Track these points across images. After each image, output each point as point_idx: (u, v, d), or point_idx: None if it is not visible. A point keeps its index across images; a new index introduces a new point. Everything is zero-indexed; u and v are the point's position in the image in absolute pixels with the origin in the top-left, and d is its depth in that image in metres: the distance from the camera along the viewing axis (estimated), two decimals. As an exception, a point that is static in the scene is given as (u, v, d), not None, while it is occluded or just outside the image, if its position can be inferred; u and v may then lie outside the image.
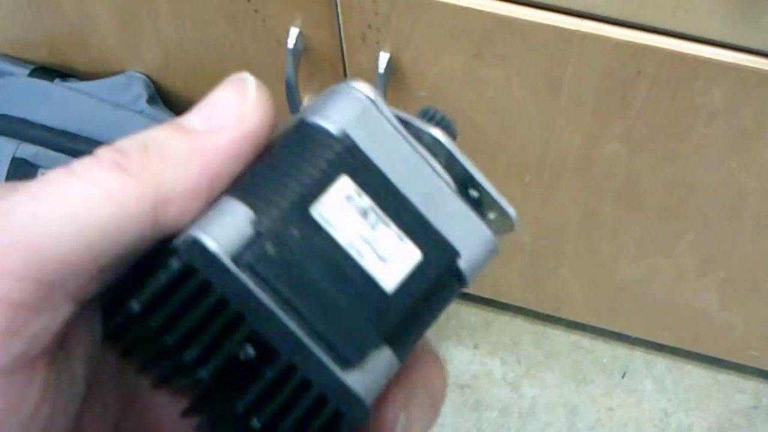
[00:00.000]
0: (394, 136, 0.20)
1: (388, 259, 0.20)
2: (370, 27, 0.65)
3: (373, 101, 0.20)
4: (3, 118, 0.84)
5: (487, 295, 1.03)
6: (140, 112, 0.83)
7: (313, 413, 0.18)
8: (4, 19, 0.86)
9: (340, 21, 0.66)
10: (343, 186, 0.19)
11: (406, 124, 0.21)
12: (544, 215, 0.81)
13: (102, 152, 0.19)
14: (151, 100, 0.84)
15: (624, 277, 0.88)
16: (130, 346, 0.21)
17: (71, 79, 0.88)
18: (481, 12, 0.60)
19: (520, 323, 1.09)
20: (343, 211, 0.19)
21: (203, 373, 0.18)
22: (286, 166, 0.20)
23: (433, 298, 0.20)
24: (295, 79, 0.71)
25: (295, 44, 0.70)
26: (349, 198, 0.19)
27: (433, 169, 0.21)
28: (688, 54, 0.58)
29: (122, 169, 0.19)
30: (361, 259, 0.19)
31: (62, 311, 0.18)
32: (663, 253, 0.82)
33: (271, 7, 0.69)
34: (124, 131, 0.81)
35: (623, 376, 1.06)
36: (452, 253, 0.20)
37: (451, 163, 0.21)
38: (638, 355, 1.06)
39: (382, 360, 0.19)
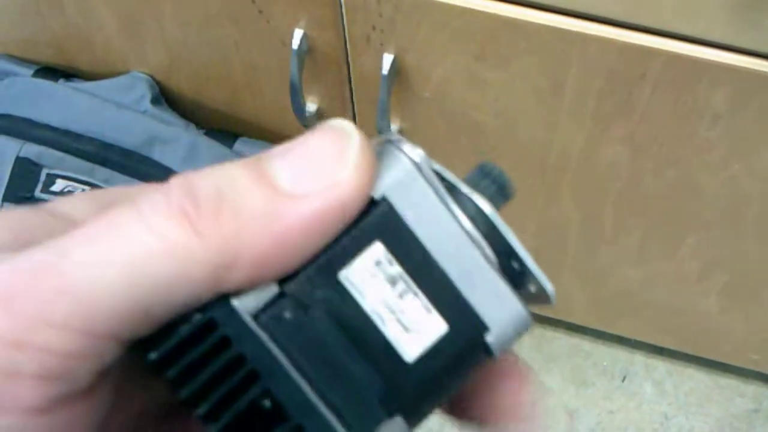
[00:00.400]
0: (435, 204, 0.20)
1: (413, 329, 0.19)
2: (374, 28, 0.65)
3: (417, 165, 0.20)
4: (7, 117, 0.84)
5: (488, 298, 1.03)
6: (144, 112, 0.83)
7: None
8: (8, 20, 0.86)
9: (345, 22, 0.67)
10: (375, 252, 0.19)
11: (450, 186, 0.21)
12: (545, 217, 0.81)
13: (174, 192, 0.18)
14: (154, 101, 0.84)
15: (625, 280, 0.88)
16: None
17: (75, 79, 0.88)
18: (484, 13, 0.61)
19: (520, 326, 1.09)
20: (371, 278, 0.19)
21: (213, 429, 0.18)
22: None
23: (455, 370, 0.20)
24: (300, 80, 0.72)
25: (300, 45, 0.70)
26: (379, 264, 0.19)
27: (473, 239, 0.20)
28: (691, 56, 0.58)
29: (191, 222, 0.17)
30: (383, 327, 0.19)
31: (108, 357, 0.17)
32: (664, 257, 0.82)
33: (275, 8, 0.70)
34: (128, 131, 0.82)
35: (624, 380, 1.06)
36: (480, 328, 0.20)
37: (493, 233, 0.21)
38: (639, 359, 1.06)
39: (393, 430, 0.19)
